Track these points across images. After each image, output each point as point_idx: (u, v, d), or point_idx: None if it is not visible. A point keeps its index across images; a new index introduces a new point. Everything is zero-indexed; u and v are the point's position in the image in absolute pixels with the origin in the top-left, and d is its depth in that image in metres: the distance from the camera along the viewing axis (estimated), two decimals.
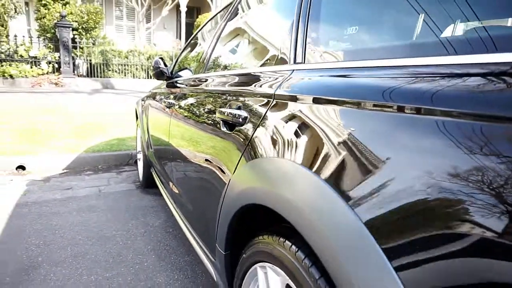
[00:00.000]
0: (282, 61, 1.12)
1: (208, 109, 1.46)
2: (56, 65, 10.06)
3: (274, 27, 1.35)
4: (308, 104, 0.85)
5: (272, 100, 1.00)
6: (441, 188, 0.50)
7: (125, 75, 11.13)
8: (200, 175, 1.46)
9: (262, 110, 1.02)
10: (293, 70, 1.01)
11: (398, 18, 0.83)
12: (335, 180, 0.67)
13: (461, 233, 0.47)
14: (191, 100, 1.78)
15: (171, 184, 2.09)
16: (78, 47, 10.34)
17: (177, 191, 1.94)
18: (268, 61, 1.25)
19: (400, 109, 0.61)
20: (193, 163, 1.57)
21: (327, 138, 0.74)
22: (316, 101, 0.83)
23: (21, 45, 9.49)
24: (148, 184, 3.32)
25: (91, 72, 10.72)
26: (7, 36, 9.73)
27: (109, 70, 10.82)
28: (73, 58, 10.24)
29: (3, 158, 3.80)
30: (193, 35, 2.71)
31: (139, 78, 11.33)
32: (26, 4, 13.99)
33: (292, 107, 0.91)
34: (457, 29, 0.68)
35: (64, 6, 10.30)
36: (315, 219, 0.69)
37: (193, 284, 1.88)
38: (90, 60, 10.61)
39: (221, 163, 1.21)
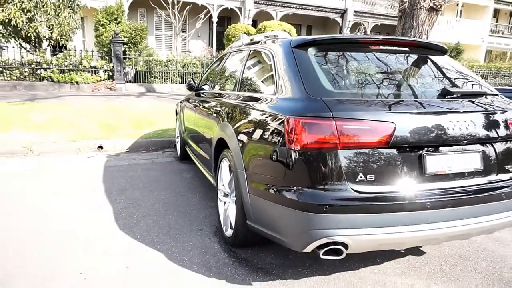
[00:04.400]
0: (234, 89, 2.91)
1: (212, 107, 3.26)
2: (110, 73, 12.35)
3: (233, 74, 3.15)
4: (238, 107, 2.63)
5: (229, 105, 2.77)
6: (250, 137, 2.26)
7: (164, 81, 13.26)
8: (207, 136, 3.26)
9: (225, 107, 2.81)
10: (238, 94, 2.78)
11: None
12: (236, 128, 2.44)
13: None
14: (206, 104, 3.59)
15: (195, 147, 3.92)
16: (127, 58, 12.58)
17: (197, 149, 3.77)
18: (230, 88, 3.05)
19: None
20: (204, 132, 3.38)
21: (236, 115, 2.51)
22: (239, 105, 2.60)
23: (85, 57, 11.85)
24: (182, 158, 5.16)
25: (137, 79, 12.94)
26: (75, 50, 12.12)
27: (152, 77, 12.99)
28: (123, 67, 12.48)
29: (90, 141, 5.81)
30: (209, 65, 4.53)
31: (176, 83, 13.42)
32: (82, 19, 16.54)
33: (232, 108, 2.68)
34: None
35: (117, 25, 12.57)
36: (231, 140, 2.46)
37: (205, 197, 3.67)
38: (137, 68, 12.81)
39: (213, 128, 3.00)
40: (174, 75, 13.33)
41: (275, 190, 1.89)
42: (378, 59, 2.19)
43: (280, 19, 20.39)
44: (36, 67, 11.72)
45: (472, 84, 2.27)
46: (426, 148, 1.81)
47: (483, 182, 1.91)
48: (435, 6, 8.64)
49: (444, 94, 1.97)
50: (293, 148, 1.77)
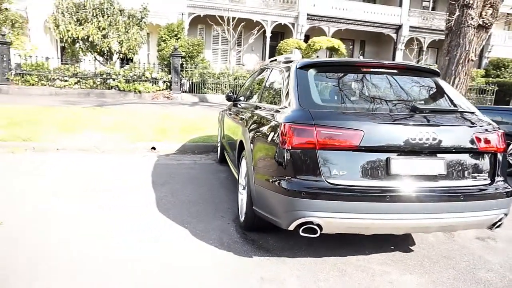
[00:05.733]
0: (256, 100, 3.46)
1: (240, 115, 3.85)
2: (168, 84, 13.63)
3: (259, 87, 3.71)
4: (255, 115, 3.19)
5: (250, 114, 3.33)
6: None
7: (216, 92, 14.27)
8: (235, 140, 3.85)
9: (247, 115, 3.37)
10: (257, 104, 3.34)
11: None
12: (250, 132, 2.99)
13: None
14: (238, 113, 4.19)
15: (228, 149, 4.52)
16: (184, 70, 13.79)
17: (229, 151, 4.37)
18: (254, 99, 3.61)
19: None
20: (234, 137, 3.97)
21: (251, 122, 3.07)
22: (255, 114, 3.16)
23: (148, 69, 13.25)
24: (221, 161, 5.81)
25: (192, 89, 14.08)
26: (139, 63, 13.61)
27: (205, 88, 14.06)
28: (180, 78, 13.70)
29: (145, 143, 6.70)
30: (245, 81, 5.14)
31: None
32: (148, 35, 18.28)
33: (251, 116, 3.24)
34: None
35: (176, 40, 13.88)
36: (247, 142, 3.01)
37: (233, 192, 4.23)
38: (192, 80, 13.98)
39: (238, 133, 3.57)
40: (225, 87, 14.29)
41: (271, 180, 2.40)
42: (366, 79, 2.63)
43: (333, 34, 20.75)
44: (106, 77, 13.32)
45: (449, 102, 2.60)
46: (391, 153, 2.22)
47: (444, 185, 2.26)
48: (484, 24, 8.53)
49: (414, 109, 2.35)
50: (285, 148, 2.28)
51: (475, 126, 2.38)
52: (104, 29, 13.20)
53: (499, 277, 2.54)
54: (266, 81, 3.42)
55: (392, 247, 2.93)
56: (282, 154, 2.29)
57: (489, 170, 2.40)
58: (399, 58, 21.99)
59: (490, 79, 18.18)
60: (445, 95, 2.66)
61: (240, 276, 2.38)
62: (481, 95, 16.63)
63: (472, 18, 8.63)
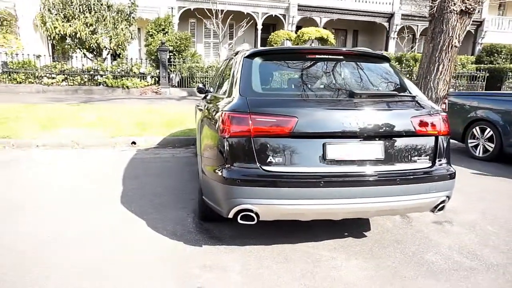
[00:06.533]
0: (214, 91, 3.47)
1: (202, 108, 3.86)
2: (157, 79, 13.60)
3: (218, 78, 3.71)
4: (206, 105, 3.19)
5: (204, 104, 3.34)
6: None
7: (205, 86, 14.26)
8: (197, 131, 3.87)
9: (204, 106, 3.38)
10: (212, 94, 3.34)
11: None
12: (200, 122, 3.00)
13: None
14: (208, 105, 4.19)
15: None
16: (172, 65, 13.75)
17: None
18: (214, 90, 3.62)
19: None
20: (197, 128, 3.99)
21: (203, 112, 3.08)
22: (207, 104, 3.16)
23: (135, 65, 13.22)
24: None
25: (181, 83, 14.05)
26: (126, 58, 13.57)
27: (194, 82, 14.03)
28: (168, 73, 13.67)
29: (125, 137, 6.71)
30: (216, 72, 5.14)
31: None
32: (138, 30, 18.19)
33: (204, 106, 3.25)
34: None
35: (164, 35, 13.82)
36: (198, 133, 3.03)
37: (195, 182, 4.26)
38: (181, 74, 13.94)
39: (197, 123, 3.58)
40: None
41: (213, 169, 2.42)
42: (310, 66, 2.63)
43: (325, 24, 20.63)
44: (94, 73, 13.30)
45: (392, 87, 2.60)
46: (327, 138, 2.23)
47: (382, 169, 2.27)
48: (467, 10, 8.45)
49: (351, 95, 2.36)
50: (224, 136, 2.29)
51: (414, 110, 2.38)
52: (91, 25, 13.13)
53: (444, 259, 2.56)
54: (225, 72, 3.42)
55: (346, 233, 2.95)
56: (222, 143, 2.30)
57: (429, 153, 2.40)
58: (392, 47, 21.87)
59: (482, 65, 18.07)
60: (390, 80, 2.66)
61: (183, 264, 2.41)
62: (472, 82, 16.55)
63: (455, 4, 8.56)
